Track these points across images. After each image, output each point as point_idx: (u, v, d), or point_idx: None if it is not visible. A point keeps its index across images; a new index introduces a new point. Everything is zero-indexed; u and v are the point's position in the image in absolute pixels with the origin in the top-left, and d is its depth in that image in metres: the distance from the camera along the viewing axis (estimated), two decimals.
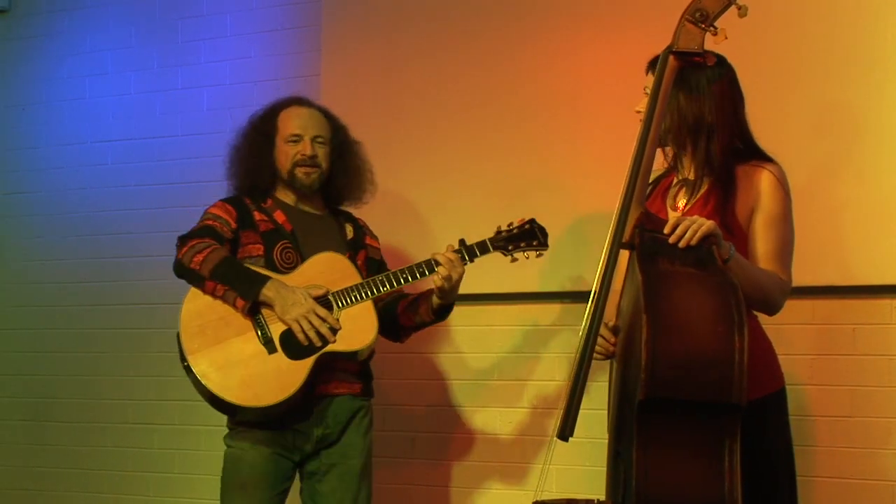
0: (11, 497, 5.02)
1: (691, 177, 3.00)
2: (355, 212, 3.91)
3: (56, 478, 5.30)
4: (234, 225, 3.67)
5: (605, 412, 2.98)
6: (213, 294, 3.56)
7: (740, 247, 2.86)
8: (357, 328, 3.56)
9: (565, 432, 2.72)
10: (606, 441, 2.92)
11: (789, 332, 3.70)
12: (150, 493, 5.11)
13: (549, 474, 4.04)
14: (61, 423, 5.31)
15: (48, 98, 5.42)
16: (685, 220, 2.74)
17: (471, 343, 4.49)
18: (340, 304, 3.56)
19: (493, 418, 4.44)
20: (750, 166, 2.95)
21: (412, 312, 3.72)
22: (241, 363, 3.52)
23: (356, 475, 3.69)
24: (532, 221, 3.66)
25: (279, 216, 3.72)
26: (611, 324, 2.95)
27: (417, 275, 3.59)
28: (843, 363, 3.89)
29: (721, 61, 2.94)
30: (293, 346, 3.53)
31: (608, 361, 2.98)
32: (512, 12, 4.40)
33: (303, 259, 3.66)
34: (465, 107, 4.44)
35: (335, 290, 3.58)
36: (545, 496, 3.16)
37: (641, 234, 2.75)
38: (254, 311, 3.55)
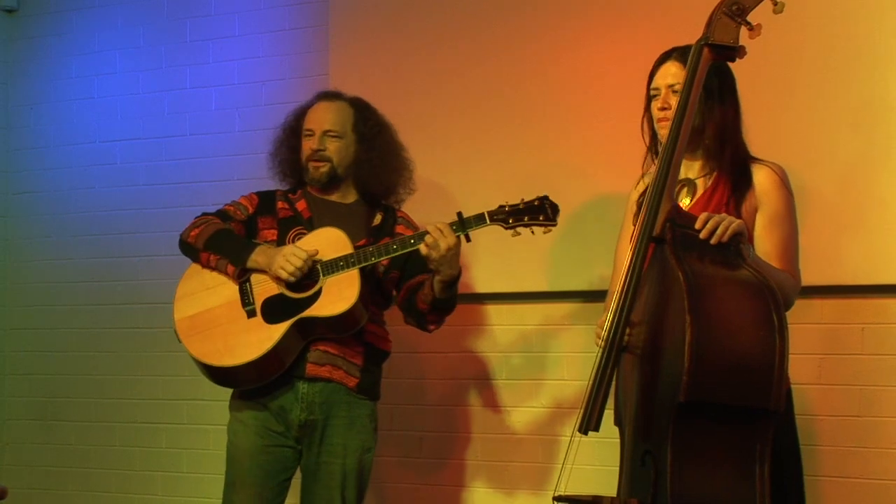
0: (20, 496, 5.02)
1: (692, 176, 3.01)
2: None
3: (64, 477, 5.30)
4: (251, 210, 3.79)
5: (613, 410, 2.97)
6: (207, 264, 3.70)
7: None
8: (336, 295, 3.55)
9: (589, 427, 2.71)
10: (614, 439, 2.90)
11: (798, 332, 3.69)
12: (157, 493, 5.11)
13: (557, 473, 4.03)
14: (69, 423, 5.31)
15: (57, 97, 5.42)
16: (716, 217, 2.73)
17: (481, 342, 4.48)
18: (325, 272, 3.57)
19: (503, 418, 4.43)
20: (752, 164, 2.97)
21: (422, 294, 3.67)
22: (220, 327, 3.61)
23: (343, 477, 3.66)
24: (544, 198, 3.55)
25: (301, 204, 3.79)
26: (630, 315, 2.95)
27: (408, 245, 3.54)
28: (851, 363, 3.88)
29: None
30: (273, 312, 3.58)
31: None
32: (521, 4, 4.38)
33: None
34: (475, 104, 4.43)
35: (326, 260, 3.59)
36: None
37: (673, 229, 2.73)
38: (245, 280, 3.63)
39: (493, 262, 4.36)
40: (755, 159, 3.01)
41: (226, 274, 3.66)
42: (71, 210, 5.34)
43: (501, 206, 3.53)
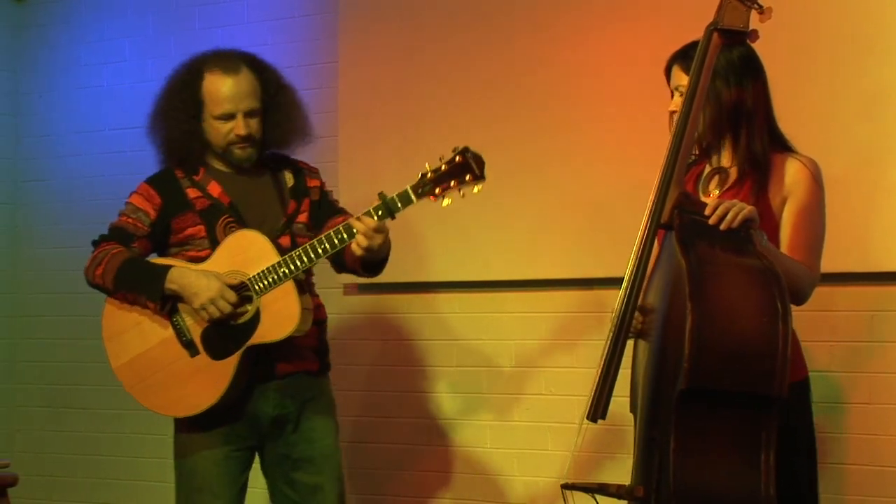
0: (30, 483, 5.03)
1: (725, 165, 2.99)
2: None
3: (74, 464, 5.32)
4: (154, 216, 3.49)
5: (626, 398, 2.97)
6: (125, 302, 3.46)
7: (769, 233, 2.83)
8: (278, 316, 3.34)
9: (597, 414, 2.71)
10: (623, 427, 2.90)
11: (807, 319, 3.69)
12: (167, 480, 5.08)
13: (567, 461, 4.04)
14: (80, 410, 5.33)
15: (66, 86, 5.43)
16: (726, 202, 2.71)
17: (488, 330, 4.48)
18: (258, 289, 3.33)
19: (511, 405, 4.43)
20: (783, 155, 2.94)
21: (350, 256, 3.43)
22: (164, 371, 3.42)
23: (328, 456, 3.55)
24: (464, 151, 3.23)
25: (214, 189, 3.50)
26: (638, 303, 2.94)
27: (336, 242, 3.29)
28: (861, 350, 3.87)
29: (747, 45, 2.90)
30: (215, 345, 3.38)
31: (631, 344, 2.95)
32: None
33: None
34: (484, 91, 4.42)
35: (253, 272, 3.34)
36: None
37: (681, 216, 2.71)
38: (173, 309, 3.41)
39: (503, 249, 4.36)
40: (789, 151, 2.96)
41: (148, 309, 3.43)
42: (80, 198, 5.34)
43: (423, 175, 3.24)
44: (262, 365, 3.44)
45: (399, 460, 4.59)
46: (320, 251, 3.31)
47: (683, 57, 2.97)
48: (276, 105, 3.54)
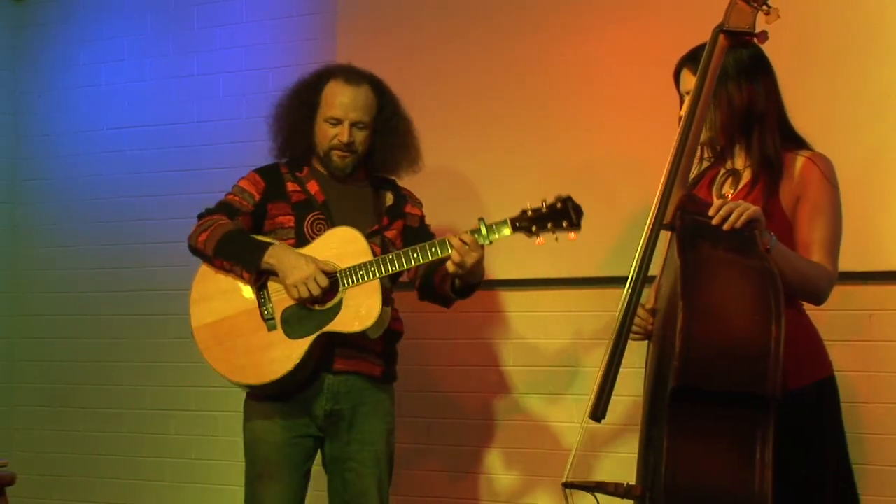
0: (29, 482, 5.03)
1: (739, 167, 2.98)
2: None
3: (73, 463, 5.32)
4: (258, 197, 3.66)
5: (631, 398, 2.98)
6: (221, 269, 3.59)
7: (782, 233, 2.82)
8: (359, 311, 3.48)
9: (598, 413, 2.71)
10: (631, 427, 2.90)
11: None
12: (166, 479, 5.12)
13: (567, 460, 4.04)
14: (79, 409, 5.33)
15: (64, 85, 5.43)
16: (730, 203, 2.71)
17: (488, 329, 4.48)
18: (347, 283, 3.48)
19: (514, 405, 4.43)
20: (796, 154, 2.93)
21: (441, 283, 3.62)
22: (241, 339, 3.53)
23: (377, 462, 3.65)
24: (566, 200, 3.40)
25: (312, 186, 3.68)
26: (648, 306, 2.94)
27: (429, 255, 3.44)
28: (860, 349, 3.87)
29: (755, 45, 2.89)
30: (293, 325, 3.51)
31: (645, 347, 2.96)
32: None
33: None
34: (483, 92, 4.42)
35: (344, 266, 3.50)
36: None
37: (683, 217, 2.72)
38: (262, 285, 3.55)
39: (507, 248, 4.35)
40: (800, 148, 2.95)
41: (241, 279, 3.57)
42: (79, 197, 5.35)
43: (524, 212, 3.40)
44: (322, 357, 3.55)
45: (399, 460, 4.58)
46: (413, 258, 3.46)
47: (692, 60, 2.95)
48: (390, 129, 3.71)
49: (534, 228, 3.39)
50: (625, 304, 2.75)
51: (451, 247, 3.41)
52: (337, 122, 3.63)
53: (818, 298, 2.89)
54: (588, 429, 2.81)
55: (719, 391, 2.53)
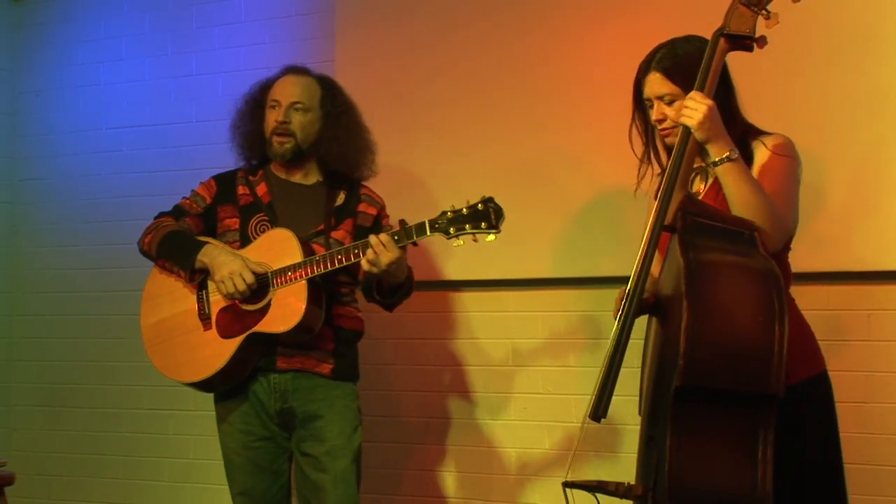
0: (27, 482, 5.03)
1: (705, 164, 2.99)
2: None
3: (72, 463, 5.32)
4: (209, 201, 3.78)
5: (629, 398, 2.98)
6: (164, 270, 3.72)
7: None
8: (286, 310, 3.54)
9: (598, 413, 2.72)
10: (627, 427, 2.90)
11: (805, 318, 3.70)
12: (164, 479, 5.12)
13: (566, 459, 4.04)
14: (77, 409, 5.33)
15: (62, 84, 5.42)
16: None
17: (486, 329, 4.49)
18: (276, 284, 3.55)
19: (509, 404, 4.43)
20: (756, 142, 2.95)
21: (375, 289, 3.67)
22: (180, 338, 3.67)
23: (333, 459, 3.64)
24: (488, 201, 3.43)
25: (261, 188, 3.76)
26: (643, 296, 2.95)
27: (352, 256, 3.49)
28: (858, 349, 3.87)
29: (692, 43, 2.93)
30: (226, 325, 3.60)
31: (640, 347, 2.96)
32: None
33: None
34: (480, 90, 4.43)
35: (277, 267, 3.56)
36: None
37: (684, 218, 2.72)
38: (203, 285, 3.65)
39: (500, 248, 4.36)
40: (758, 134, 2.97)
41: (181, 278, 3.68)
42: (77, 197, 5.35)
43: (444, 213, 3.44)
44: (267, 356, 3.62)
45: (399, 460, 4.59)
46: (337, 260, 3.49)
47: (660, 63, 2.96)
48: (338, 122, 3.76)
49: (452, 230, 3.42)
50: (625, 304, 2.76)
51: (370, 246, 3.44)
52: (276, 104, 3.73)
53: (765, 235, 2.78)
54: (587, 428, 2.81)
55: (723, 391, 2.53)
